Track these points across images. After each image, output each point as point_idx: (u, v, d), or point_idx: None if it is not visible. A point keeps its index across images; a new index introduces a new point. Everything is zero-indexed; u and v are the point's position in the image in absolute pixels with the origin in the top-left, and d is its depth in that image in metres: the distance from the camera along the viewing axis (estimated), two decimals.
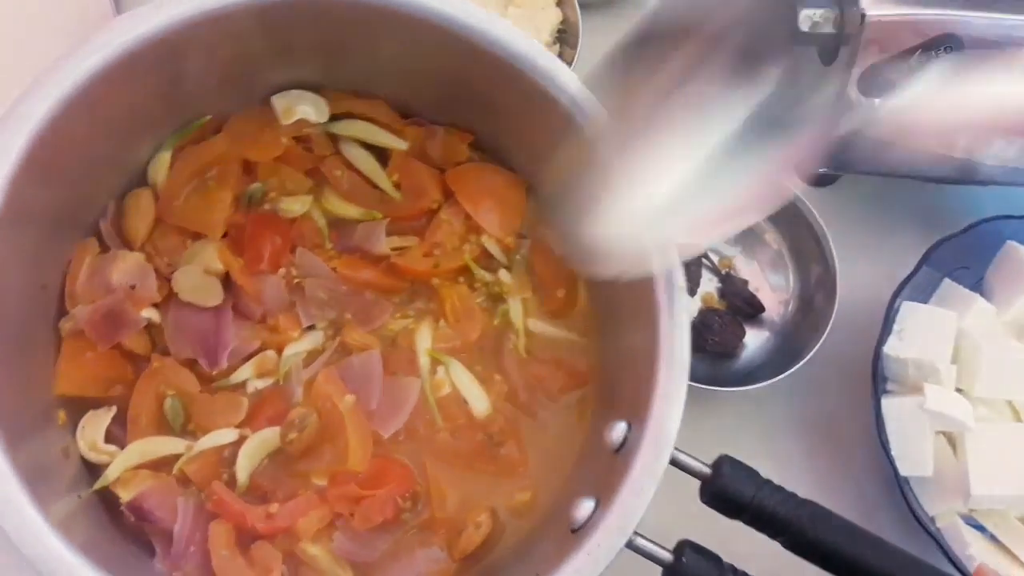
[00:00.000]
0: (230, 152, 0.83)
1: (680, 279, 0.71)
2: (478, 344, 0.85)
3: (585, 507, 0.70)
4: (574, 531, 0.70)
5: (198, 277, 0.80)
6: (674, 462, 0.68)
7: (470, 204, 0.85)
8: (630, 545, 0.66)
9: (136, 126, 0.78)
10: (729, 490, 0.69)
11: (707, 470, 0.70)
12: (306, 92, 0.85)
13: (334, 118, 0.86)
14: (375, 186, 0.87)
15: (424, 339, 0.83)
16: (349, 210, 0.86)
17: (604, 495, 0.68)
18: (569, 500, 0.74)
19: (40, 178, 0.68)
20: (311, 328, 0.84)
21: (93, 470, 0.77)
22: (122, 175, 0.81)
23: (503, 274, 0.86)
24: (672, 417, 0.67)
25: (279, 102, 0.84)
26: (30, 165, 0.67)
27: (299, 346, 0.82)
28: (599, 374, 0.84)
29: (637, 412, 0.70)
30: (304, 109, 0.84)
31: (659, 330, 0.70)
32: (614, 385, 0.80)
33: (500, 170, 0.87)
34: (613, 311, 0.82)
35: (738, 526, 0.70)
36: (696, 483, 0.70)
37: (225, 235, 0.83)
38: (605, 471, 0.72)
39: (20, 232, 0.68)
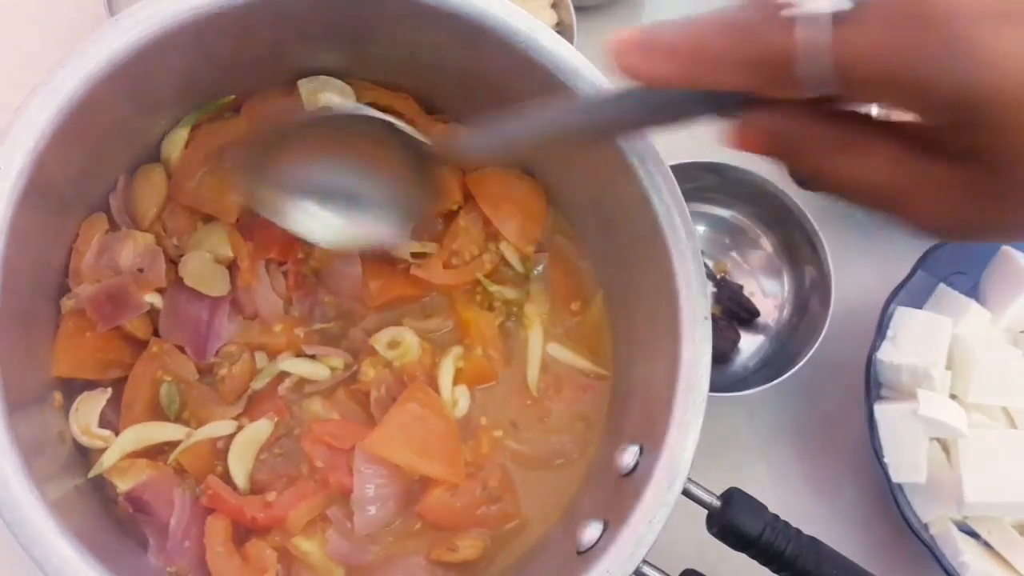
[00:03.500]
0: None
1: (707, 309, 0.70)
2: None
3: (593, 529, 0.69)
4: (580, 553, 0.69)
5: (207, 264, 0.78)
6: (685, 492, 0.68)
7: (490, 208, 0.83)
8: (635, 572, 0.66)
9: (158, 101, 0.76)
10: (737, 524, 0.69)
11: (717, 502, 0.70)
12: (333, 79, 0.82)
13: None
14: None
15: (447, 371, 0.81)
16: None
17: (613, 519, 0.68)
18: (573, 519, 0.74)
19: (63, 152, 0.66)
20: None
21: (86, 456, 0.75)
22: (134, 148, 0.79)
23: (527, 307, 0.85)
24: (688, 448, 0.67)
25: (305, 87, 0.81)
26: (56, 139, 0.65)
27: (299, 367, 0.80)
28: (610, 396, 0.83)
29: (650, 436, 0.69)
30: (329, 96, 0.81)
31: (680, 358, 0.69)
32: (625, 406, 0.80)
33: (522, 177, 0.86)
34: (631, 333, 0.81)
35: (742, 556, 0.71)
36: (703, 509, 0.71)
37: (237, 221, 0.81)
38: (614, 493, 0.72)
39: (39, 206, 0.66)
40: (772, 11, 0.44)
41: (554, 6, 1.02)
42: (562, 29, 1.01)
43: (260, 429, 0.77)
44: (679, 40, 0.49)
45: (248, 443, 0.76)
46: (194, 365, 0.78)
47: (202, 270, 0.78)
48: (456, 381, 0.81)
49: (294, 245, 0.81)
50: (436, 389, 0.80)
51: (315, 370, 0.79)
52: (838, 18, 0.42)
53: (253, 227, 0.80)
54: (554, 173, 0.84)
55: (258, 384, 0.78)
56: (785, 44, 0.44)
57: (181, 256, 0.78)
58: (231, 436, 0.77)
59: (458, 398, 0.80)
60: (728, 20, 0.47)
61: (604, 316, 0.84)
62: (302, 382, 0.79)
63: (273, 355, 0.80)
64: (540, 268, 0.85)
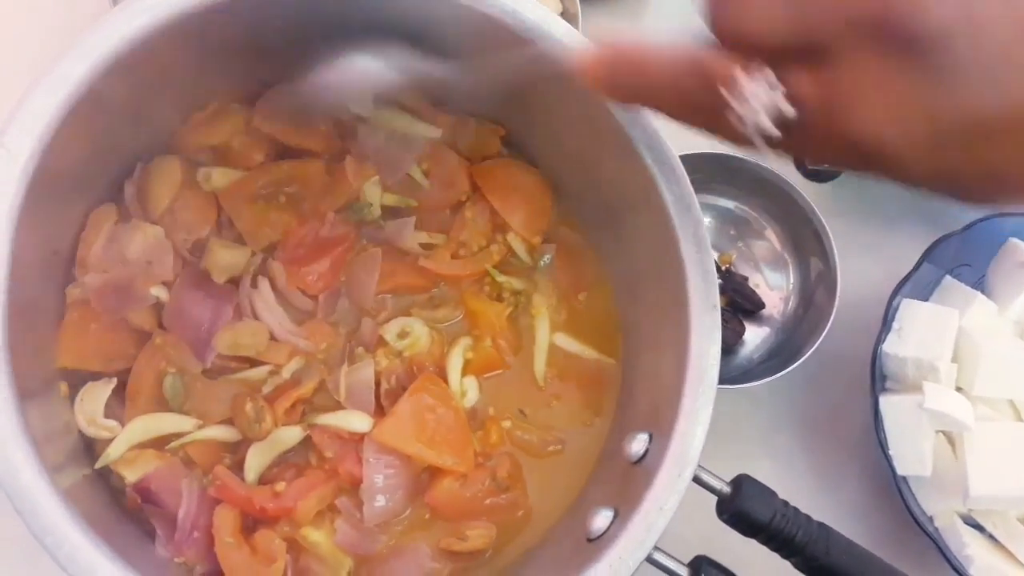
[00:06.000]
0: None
1: (715, 298, 0.70)
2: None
3: (603, 517, 0.69)
4: (591, 540, 0.69)
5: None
6: (695, 479, 0.68)
7: (497, 200, 0.84)
8: (647, 559, 0.66)
9: (167, 89, 0.75)
10: (747, 510, 0.69)
11: (727, 488, 0.70)
12: None
13: None
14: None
15: (456, 362, 0.81)
16: (383, 197, 0.83)
17: (623, 507, 0.68)
18: (583, 507, 0.74)
19: (71, 138, 0.66)
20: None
21: (93, 447, 0.75)
22: (144, 137, 0.78)
23: (535, 298, 0.85)
24: (697, 435, 0.67)
25: None
26: (64, 125, 0.64)
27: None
28: (618, 385, 0.83)
29: (659, 424, 0.70)
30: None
31: (689, 346, 0.69)
32: (634, 395, 0.80)
33: (528, 168, 0.86)
34: (639, 322, 0.81)
35: (753, 542, 0.71)
36: (712, 497, 0.71)
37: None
38: (623, 481, 0.72)
39: (48, 193, 0.66)
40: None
41: None
42: (566, 18, 1.01)
43: (290, 435, 0.77)
44: (644, 68, 0.51)
45: (273, 445, 0.76)
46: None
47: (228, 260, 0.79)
48: (465, 372, 0.81)
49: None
50: (445, 379, 0.80)
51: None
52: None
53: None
54: (560, 163, 0.84)
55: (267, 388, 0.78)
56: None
57: (190, 250, 0.79)
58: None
59: (467, 389, 0.80)
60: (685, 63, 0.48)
61: (612, 306, 0.85)
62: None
63: (276, 369, 0.79)
64: (547, 259, 0.86)
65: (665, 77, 0.49)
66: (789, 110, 0.44)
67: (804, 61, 0.43)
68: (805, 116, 0.44)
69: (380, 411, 0.77)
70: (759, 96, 0.45)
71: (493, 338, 0.82)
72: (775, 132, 0.45)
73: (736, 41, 0.46)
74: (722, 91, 0.45)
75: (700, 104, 0.48)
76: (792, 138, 0.45)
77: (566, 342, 0.84)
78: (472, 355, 0.81)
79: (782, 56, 0.44)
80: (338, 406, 0.77)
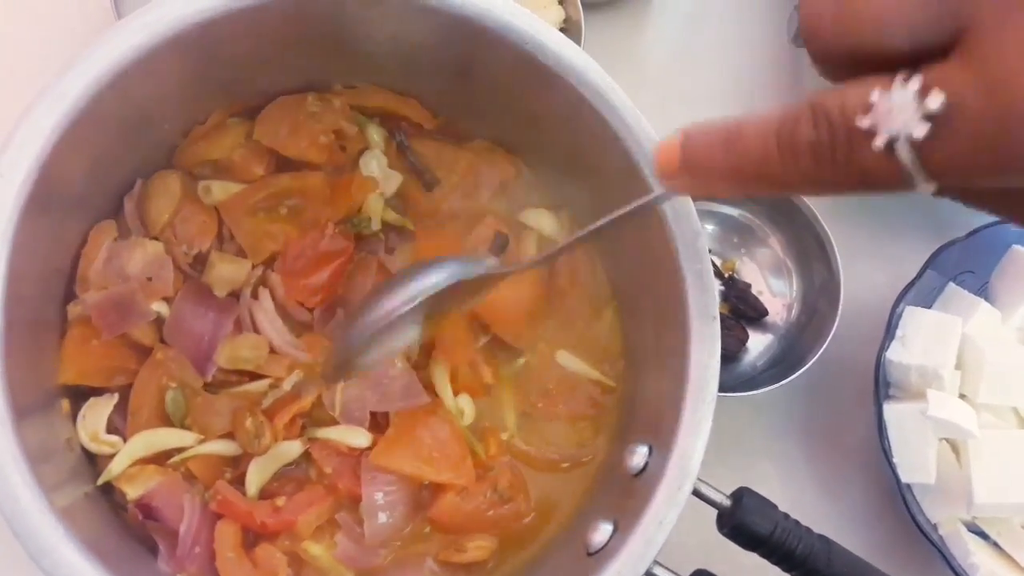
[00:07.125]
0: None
1: (715, 309, 0.69)
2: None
3: (603, 531, 0.69)
4: (591, 554, 0.69)
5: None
6: (695, 492, 0.68)
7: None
8: (647, 573, 0.65)
9: (166, 105, 0.75)
10: (748, 524, 0.68)
11: (727, 502, 0.70)
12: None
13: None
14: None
15: (441, 375, 0.81)
16: (384, 212, 0.83)
17: (623, 521, 0.68)
18: (583, 521, 0.74)
19: (69, 156, 0.66)
20: None
21: (95, 463, 0.75)
22: (143, 153, 0.79)
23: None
24: (698, 447, 0.67)
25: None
26: (62, 143, 0.64)
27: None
28: (619, 397, 0.83)
29: (659, 437, 0.69)
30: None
31: (690, 358, 0.69)
32: (634, 407, 0.80)
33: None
34: (640, 333, 0.81)
35: (753, 555, 0.70)
36: (713, 509, 0.70)
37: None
38: (623, 494, 0.72)
39: (46, 211, 0.66)
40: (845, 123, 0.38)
41: (562, 3, 1.02)
42: (569, 26, 1.01)
43: (290, 450, 0.77)
44: (735, 161, 0.43)
45: (274, 459, 0.76)
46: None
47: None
48: (457, 391, 0.81)
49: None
50: (431, 389, 0.80)
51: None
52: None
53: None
54: (558, 172, 0.84)
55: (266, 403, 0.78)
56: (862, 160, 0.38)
57: (191, 264, 0.79)
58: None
59: (463, 406, 0.80)
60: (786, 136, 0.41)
61: (615, 325, 0.84)
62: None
63: (276, 382, 0.79)
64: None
65: (769, 138, 0.41)
66: (936, 108, 0.35)
67: (935, 52, 0.37)
68: (962, 114, 0.35)
69: (377, 425, 0.78)
70: (905, 112, 0.36)
71: (469, 366, 0.81)
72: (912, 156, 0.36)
73: (852, 51, 0.39)
74: (859, 123, 0.37)
75: (822, 156, 0.39)
76: (941, 153, 0.36)
77: (568, 360, 0.83)
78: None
79: (909, 56, 0.37)
80: (336, 420, 0.77)
